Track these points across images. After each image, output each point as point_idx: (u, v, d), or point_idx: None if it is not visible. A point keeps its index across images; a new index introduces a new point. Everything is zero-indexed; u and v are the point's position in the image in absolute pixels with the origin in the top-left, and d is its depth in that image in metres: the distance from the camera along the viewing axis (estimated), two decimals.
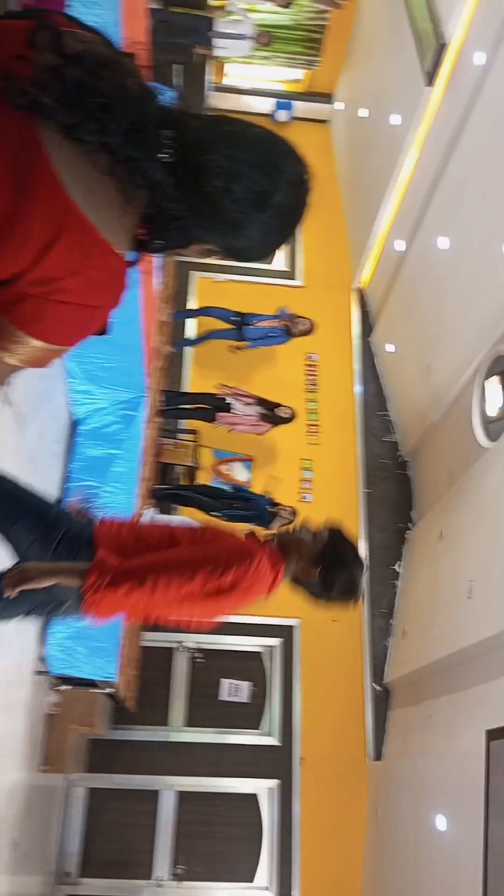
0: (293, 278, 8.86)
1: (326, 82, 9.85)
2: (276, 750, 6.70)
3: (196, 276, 8.53)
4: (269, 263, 8.92)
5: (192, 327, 8.17)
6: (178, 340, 7.70)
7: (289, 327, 7.21)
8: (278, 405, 6.95)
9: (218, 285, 8.52)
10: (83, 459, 4.87)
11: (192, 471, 7.15)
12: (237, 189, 1.20)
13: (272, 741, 6.75)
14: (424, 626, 6.19)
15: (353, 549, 2.34)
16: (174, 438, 7.15)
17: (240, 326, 7.12)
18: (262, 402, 6.98)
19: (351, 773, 6.69)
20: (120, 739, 6.44)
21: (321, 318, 8.19)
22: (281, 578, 2.26)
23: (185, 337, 7.96)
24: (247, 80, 9.81)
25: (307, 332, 7.25)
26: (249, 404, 6.98)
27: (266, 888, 6.37)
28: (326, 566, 2.27)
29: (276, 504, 6.38)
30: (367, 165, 8.17)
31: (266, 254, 1.31)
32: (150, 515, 6.73)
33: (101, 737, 5.96)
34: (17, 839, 4.16)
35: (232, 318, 7.18)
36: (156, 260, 4.86)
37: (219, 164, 1.18)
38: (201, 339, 7.61)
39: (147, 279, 4.57)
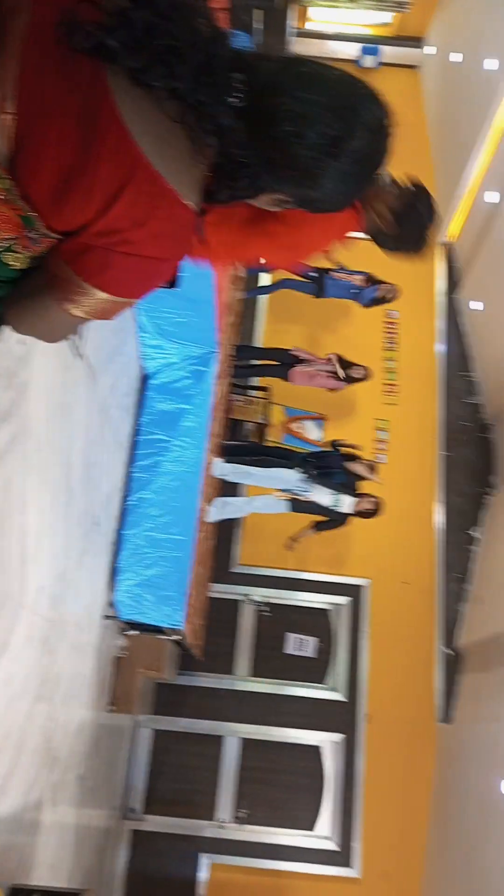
0: None
1: (417, 26, 9.41)
2: (341, 705, 6.78)
3: None
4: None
5: (265, 276, 8.09)
6: (251, 289, 7.66)
7: (373, 290, 6.98)
8: (351, 365, 6.82)
9: None
10: (153, 413, 4.94)
11: (262, 427, 7.17)
12: (309, 134, 1.14)
13: (337, 696, 6.83)
14: (501, 592, 6.09)
15: (431, 202, 2.31)
16: (245, 395, 7.18)
17: (319, 281, 6.96)
18: (338, 360, 6.86)
19: (418, 734, 6.72)
20: (186, 685, 6.65)
21: (402, 272, 7.95)
22: (359, 221, 2.26)
23: (259, 285, 7.90)
24: (332, 25, 9.46)
25: (391, 299, 7.04)
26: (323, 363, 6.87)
27: (328, 837, 6.53)
28: (404, 214, 2.23)
29: (355, 458, 6.27)
30: (459, 112, 7.81)
31: (342, 204, 1.26)
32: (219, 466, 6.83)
33: (168, 681, 6.15)
34: (83, 774, 4.38)
35: (310, 276, 7.02)
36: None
37: (290, 107, 1.12)
38: (275, 286, 7.52)
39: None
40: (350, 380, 6.82)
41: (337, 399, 7.41)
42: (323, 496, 5.73)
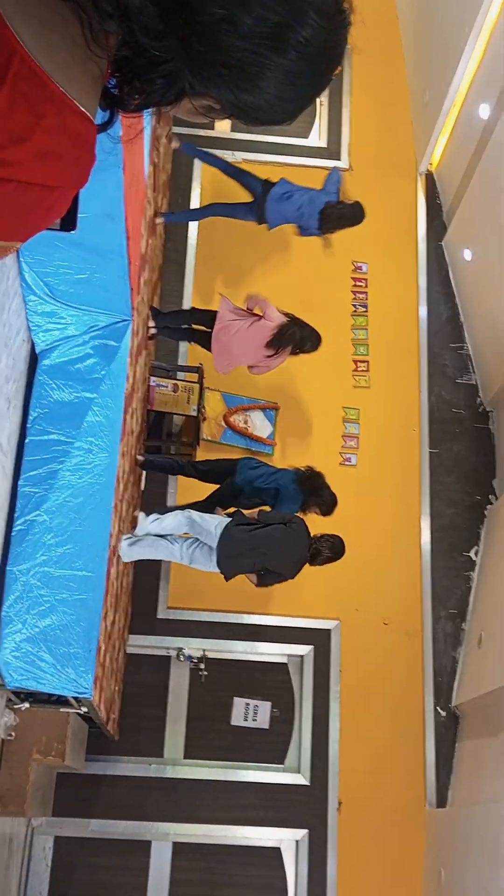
0: (336, 157, 8.73)
1: None
2: (304, 791, 6.83)
3: None
4: (305, 137, 8.81)
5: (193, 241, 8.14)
6: (172, 210, 7.69)
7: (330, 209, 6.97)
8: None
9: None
10: (46, 405, 4.85)
11: (194, 422, 7.17)
12: (244, 19, 1.12)
13: (300, 780, 6.87)
14: None
15: None
16: (171, 378, 7.14)
17: (262, 196, 6.93)
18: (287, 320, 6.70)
19: (404, 823, 6.80)
20: (98, 774, 6.58)
21: (374, 214, 8.07)
22: None
23: (182, 210, 7.90)
24: None
25: (350, 220, 7.03)
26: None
27: None
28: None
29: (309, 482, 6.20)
30: (440, 3, 7.94)
31: (289, 113, 1.25)
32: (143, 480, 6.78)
33: (74, 770, 6.07)
34: None
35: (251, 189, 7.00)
36: (142, 126, 4.79)
37: None
38: (203, 211, 7.52)
39: (131, 155, 4.50)
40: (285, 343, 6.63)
41: (293, 382, 7.46)
42: None
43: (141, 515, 5.87)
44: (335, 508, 6.14)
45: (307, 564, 5.84)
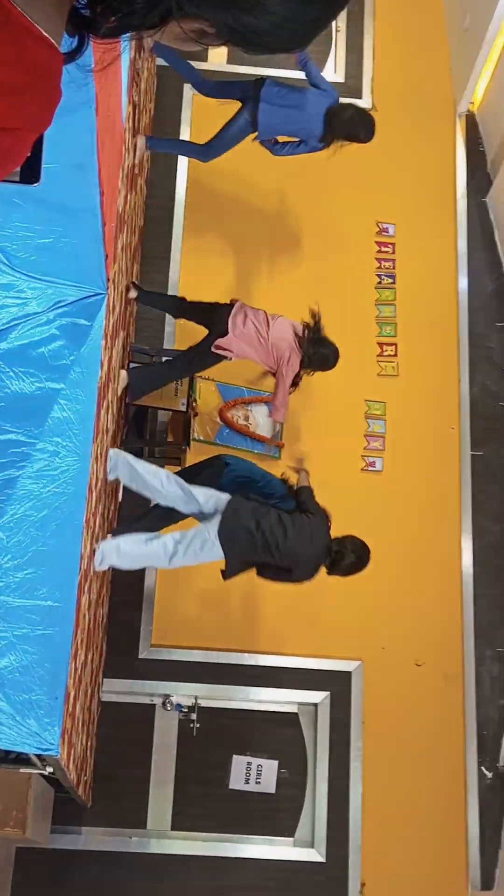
0: (357, 96, 8.73)
1: None
2: (320, 870, 6.82)
3: (190, 93, 8.44)
4: (319, 70, 8.77)
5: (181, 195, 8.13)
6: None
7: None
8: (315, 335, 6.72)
9: (225, 107, 8.42)
10: (3, 398, 4.86)
11: (183, 419, 7.17)
12: None
13: (314, 856, 6.86)
14: None
15: None
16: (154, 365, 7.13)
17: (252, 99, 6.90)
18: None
19: None
20: (67, 849, 6.57)
21: (403, 164, 8.09)
22: None
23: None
24: None
25: (360, 126, 6.92)
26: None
27: None
28: None
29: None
30: None
31: (298, 38, 1.25)
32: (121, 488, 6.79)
33: (38, 845, 6.06)
34: None
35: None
36: (119, 53, 4.78)
37: None
38: (172, 144, 7.52)
39: (106, 92, 4.50)
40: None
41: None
42: None
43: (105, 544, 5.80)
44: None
45: (325, 571, 5.82)
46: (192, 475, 6.23)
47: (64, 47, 1.23)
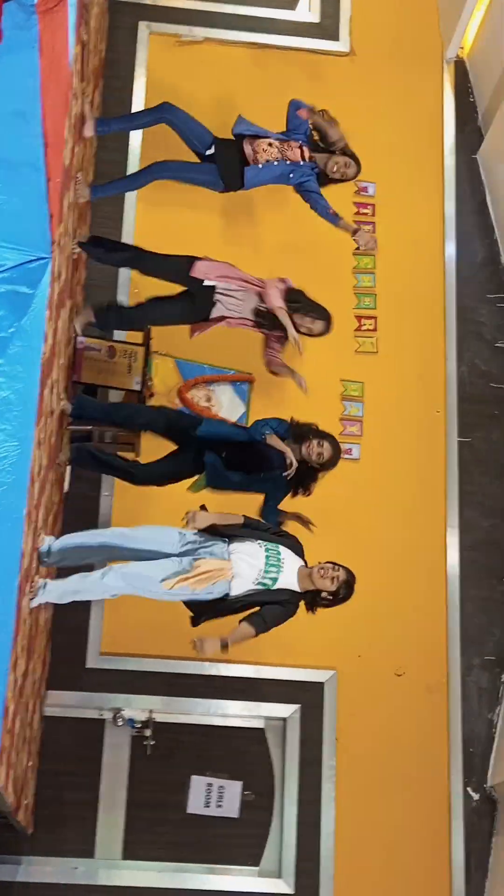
0: (332, 37, 8.71)
1: None
2: None
3: (146, 32, 8.40)
4: (292, 8, 8.79)
5: (136, 146, 8.07)
6: (103, 179, 7.54)
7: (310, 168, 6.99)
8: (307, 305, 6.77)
9: (187, 49, 8.39)
10: None
11: (137, 399, 7.13)
12: None
13: (282, 887, 6.88)
14: None
15: None
16: (105, 338, 7.10)
17: (230, 164, 6.93)
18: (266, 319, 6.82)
19: None
20: (6, 881, 6.52)
21: (384, 117, 8.06)
22: None
23: (117, 178, 7.81)
24: None
25: (351, 175, 7.07)
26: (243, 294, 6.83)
27: None
28: None
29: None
30: None
31: None
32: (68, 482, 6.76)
33: None
34: None
35: (204, 139, 6.98)
36: None
37: None
38: (147, 174, 7.44)
39: (50, 31, 4.46)
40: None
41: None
42: (246, 556, 5.64)
43: (48, 541, 5.75)
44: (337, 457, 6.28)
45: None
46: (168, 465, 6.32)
47: None
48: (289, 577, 5.58)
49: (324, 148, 6.98)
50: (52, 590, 5.47)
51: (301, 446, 6.23)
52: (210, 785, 6.99)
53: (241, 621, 5.52)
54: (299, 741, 7.12)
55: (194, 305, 6.75)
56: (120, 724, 7.01)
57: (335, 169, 6.90)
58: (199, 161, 6.99)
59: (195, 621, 5.59)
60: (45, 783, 6.56)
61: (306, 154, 6.88)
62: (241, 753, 7.15)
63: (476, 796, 7.11)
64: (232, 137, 6.91)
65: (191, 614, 5.58)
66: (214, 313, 6.73)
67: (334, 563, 5.62)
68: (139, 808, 6.96)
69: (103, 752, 7.04)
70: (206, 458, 6.32)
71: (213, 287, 6.69)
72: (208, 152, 6.90)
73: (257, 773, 7.12)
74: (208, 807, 6.97)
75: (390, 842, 6.99)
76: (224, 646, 5.40)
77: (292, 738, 7.13)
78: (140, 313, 6.94)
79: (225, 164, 6.85)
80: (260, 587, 5.50)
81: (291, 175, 6.90)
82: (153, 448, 6.68)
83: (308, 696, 7.18)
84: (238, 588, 5.46)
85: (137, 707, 7.05)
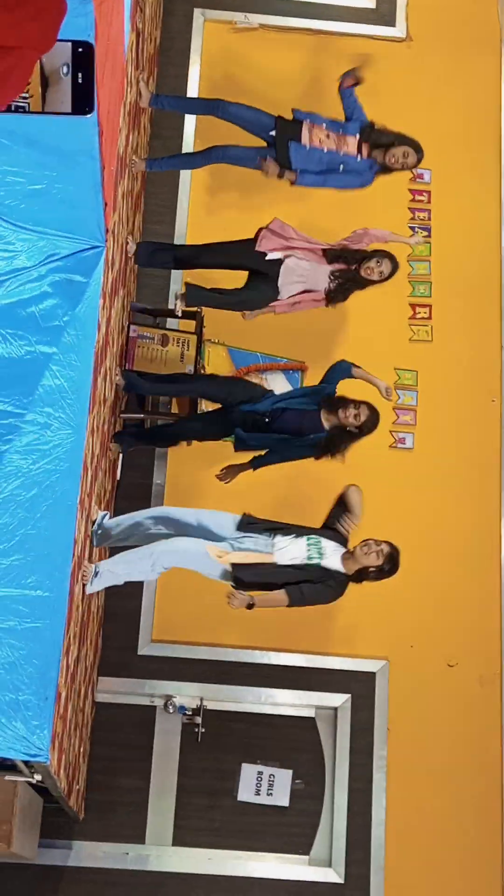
0: (388, 23, 8.67)
1: None
2: (338, 891, 6.86)
3: (201, 19, 8.42)
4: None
5: (190, 133, 8.09)
6: (155, 157, 7.60)
7: (374, 151, 7.00)
8: (366, 256, 6.80)
9: (242, 35, 8.38)
10: None
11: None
12: None
13: (332, 876, 6.90)
14: None
15: None
16: (159, 326, 7.12)
17: (282, 136, 6.95)
18: (339, 255, 6.84)
19: None
20: (56, 866, 6.60)
21: (441, 102, 8.03)
22: None
23: (175, 154, 7.86)
24: None
25: (411, 164, 7.06)
26: (311, 259, 6.87)
27: None
28: None
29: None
30: None
31: None
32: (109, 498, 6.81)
33: (24, 861, 6.07)
34: None
35: (266, 125, 7.00)
36: None
37: None
38: (205, 156, 7.48)
39: (106, 18, 4.48)
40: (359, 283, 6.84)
41: (324, 336, 7.42)
42: (289, 548, 5.70)
43: (101, 514, 5.87)
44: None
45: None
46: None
47: None
48: (332, 562, 5.67)
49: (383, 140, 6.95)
50: (105, 572, 5.56)
51: (337, 412, 6.30)
52: (260, 773, 7.02)
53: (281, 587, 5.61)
54: (350, 731, 7.13)
55: (264, 286, 6.86)
56: (171, 711, 7.04)
57: (394, 161, 6.87)
58: (259, 146, 7.03)
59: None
60: (97, 769, 6.63)
61: (364, 151, 6.87)
62: (291, 742, 7.17)
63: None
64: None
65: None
66: (287, 287, 6.82)
67: (376, 540, 5.68)
68: (189, 795, 7.01)
69: (154, 738, 7.08)
70: (236, 433, 6.50)
71: (279, 261, 6.79)
72: (272, 133, 6.93)
73: (308, 762, 7.14)
74: (258, 795, 7.00)
75: (441, 833, 6.98)
76: (250, 605, 5.51)
77: (343, 727, 7.15)
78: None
79: (279, 141, 6.89)
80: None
81: (342, 167, 6.90)
82: None
83: (359, 685, 7.19)
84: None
85: (188, 694, 7.09)
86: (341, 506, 6.01)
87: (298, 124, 6.88)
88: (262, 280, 6.86)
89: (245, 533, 5.73)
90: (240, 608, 5.54)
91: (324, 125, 6.88)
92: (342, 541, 5.82)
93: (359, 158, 6.87)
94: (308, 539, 5.71)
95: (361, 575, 5.71)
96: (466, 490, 7.66)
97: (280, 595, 5.58)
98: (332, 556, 5.69)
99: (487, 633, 7.39)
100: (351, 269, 6.76)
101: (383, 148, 6.85)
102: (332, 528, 5.88)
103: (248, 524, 5.80)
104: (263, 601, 5.59)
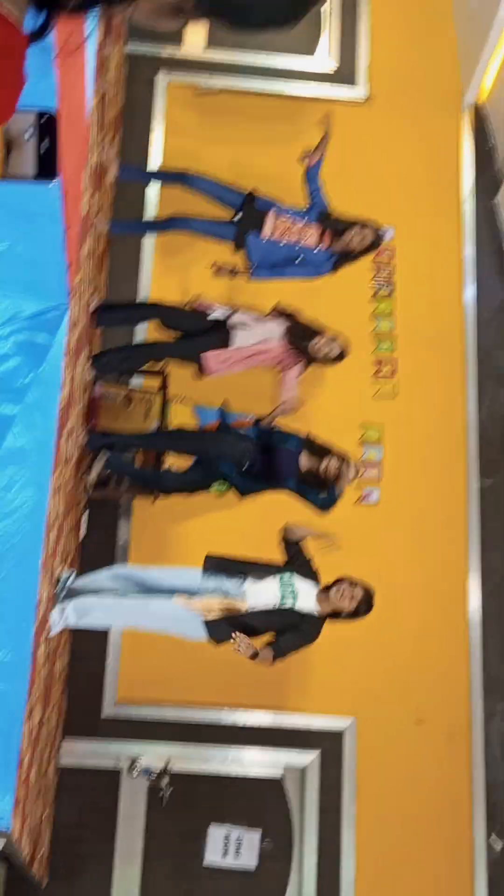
0: (350, 82, 8.79)
1: None
2: None
3: (165, 81, 8.51)
4: (310, 54, 8.84)
5: (155, 195, 8.16)
6: (121, 219, 7.69)
7: (338, 244, 7.09)
8: (315, 333, 6.91)
9: (207, 99, 8.46)
10: None
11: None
12: None
13: None
14: None
15: None
16: (120, 385, 7.14)
17: (244, 224, 7.06)
18: (289, 320, 6.96)
19: None
20: None
21: (402, 162, 8.13)
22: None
23: (140, 219, 7.94)
24: None
25: (370, 244, 7.15)
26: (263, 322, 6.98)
27: None
28: None
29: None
30: None
31: (286, 14, 1.25)
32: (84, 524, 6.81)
33: None
34: None
35: (232, 203, 7.12)
36: (84, 37, 4.82)
37: None
38: (167, 224, 7.58)
39: (69, 80, 4.52)
40: (310, 356, 6.92)
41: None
42: (261, 593, 5.72)
43: (64, 576, 5.87)
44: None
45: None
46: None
47: (26, 26, 1.23)
48: (306, 604, 5.72)
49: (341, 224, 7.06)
50: (71, 610, 5.59)
51: (319, 461, 6.45)
52: (228, 835, 6.96)
53: (263, 646, 5.62)
54: (318, 789, 7.11)
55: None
56: (136, 774, 6.99)
57: (353, 245, 6.98)
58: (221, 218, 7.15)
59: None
60: (61, 834, 6.57)
61: (327, 239, 6.98)
62: (259, 803, 7.12)
63: (499, 847, 7.05)
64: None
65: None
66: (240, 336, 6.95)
67: (350, 581, 5.74)
68: (156, 859, 6.95)
69: (119, 802, 7.02)
70: (223, 469, 6.63)
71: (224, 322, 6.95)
72: (236, 218, 7.05)
73: (276, 823, 7.09)
74: (226, 857, 6.94)
75: (412, 892, 6.94)
76: (254, 655, 5.52)
77: (311, 785, 7.13)
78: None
79: (240, 228, 7.03)
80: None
81: (300, 259, 7.05)
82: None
83: (328, 743, 7.18)
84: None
85: (154, 755, 7.03)
86: (293, 543, 6.08)
87: (262, 213, 6.99)
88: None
89: (210, 574, 5.77)
90: (245, 655, 5.53)
91: (288, 214, 7.00)
92: (313, 576, 5.85)
93: (318, 250, 7.00)
94: (280, 578, 5.73)
95: (335, 614, 5.76)
96: (433, 545, 7.68)
97: (267, 654, 5.58)
98: (305, 598, 5.72)
99: (455, 688, 7.39)
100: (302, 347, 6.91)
101: (341, 234, 6.98)
102: (299, 561, 5.93)
103: (214, 567, 5.81)
104: (259, 660, 5.59)
